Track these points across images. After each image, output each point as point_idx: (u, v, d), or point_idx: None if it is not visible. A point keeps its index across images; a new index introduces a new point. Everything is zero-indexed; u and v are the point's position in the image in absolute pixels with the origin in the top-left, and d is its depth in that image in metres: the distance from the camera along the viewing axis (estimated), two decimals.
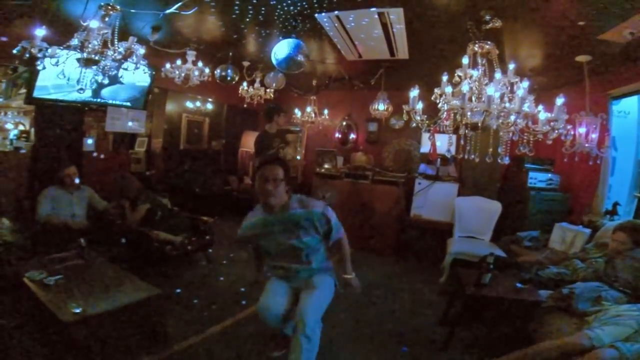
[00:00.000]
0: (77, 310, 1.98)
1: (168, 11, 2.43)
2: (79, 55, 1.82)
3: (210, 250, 3.95)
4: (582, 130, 2.78)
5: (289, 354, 1.84)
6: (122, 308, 2.14)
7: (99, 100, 3.67)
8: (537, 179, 3.97)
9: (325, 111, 5.56)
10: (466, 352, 2.46)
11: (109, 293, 2.24)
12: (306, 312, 1.84)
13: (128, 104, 3.87)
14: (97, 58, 1.90)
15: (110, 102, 3.76)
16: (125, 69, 2.08)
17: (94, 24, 1.76)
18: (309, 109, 5.40)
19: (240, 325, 2.69)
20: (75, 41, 1.76)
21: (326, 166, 5.60)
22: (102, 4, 1.95)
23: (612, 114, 3.30)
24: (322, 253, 2.11)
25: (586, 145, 2.78)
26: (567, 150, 2.87)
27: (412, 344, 2.58)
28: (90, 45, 1.76)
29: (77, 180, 3.48)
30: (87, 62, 1.86)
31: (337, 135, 6.35)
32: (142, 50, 2.07)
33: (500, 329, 2.53)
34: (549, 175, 3.96)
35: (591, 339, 1.80)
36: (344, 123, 6.33)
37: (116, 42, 1.93)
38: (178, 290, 3.11)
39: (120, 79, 2.08)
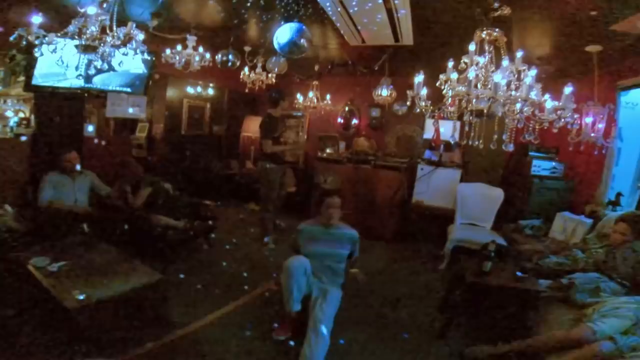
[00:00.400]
0: (81, 297, 2.00)
1: None
2: (76, 42, 1.78)
3: (212, 235, 3.99)
4: (588, 120, 2.73)
5: (303, 346, 2.14)
6: (125, 293, 2.16)
7: (98, 86, 3.63)
8: (541, 167, 3.93)
9: (328, 96, 5.50)
10: (465, 340, 2.49)
11: (113, 279, 2.26)
12: (321, 317, 2.22)
13: (128, 89, 3.83)
14: (95, 44, 1.86)
15: (110, 88, 3.71)
16: (125, 55, 2.03)
17: (91, 10, 1.71)
18: (311, 94, 5.33)
19: (243, 310, 2.73)
20: (72, 28, 1.72)
21: (328, 151, 5.58)
22: None
23: (620, 105, 3.25)
24: (342, 268, 2.60)
25: (592, 135, 2.74)
26: (573, 140, 2.83)
27: (412, 330, 2.62)
28: (88, 32, 1.72)
29: (78, 166, 3.48)
30: (86, 49, 1.82)
31: (340, 120, 6.29)
32: (141, 36, 2.02)
33: (500, 318, 2.56)
34: (553, 163, 3.93)
35: (595, 332, 1.81)
36: (347, 108, 6.25)
37: (115, 28, 1.89)
38: (182, 276, 3.15)
39: (119, 65, 2.03)
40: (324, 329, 2.17)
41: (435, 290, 3.26)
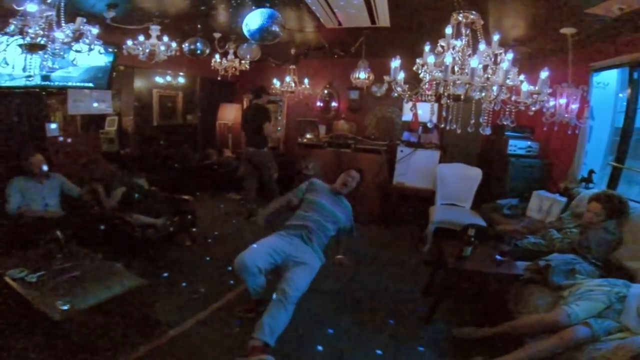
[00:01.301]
0: (65, 307, 1.94)
1: None
2: (20, 42, 1.61)
3: (194, 229, 3.91)
4: (562, 101, 2.76)
5: (263, 313, 2.09)
6: (110, 300, 2.11)
7: (57, 84, 3.39)
8: (517, 146, 3.99)
9: (306, 80, 5.36)
10: (450, 323, 2.54)
11: (95, 286, 2.20)
12: (291, 283, 2.15)
13: (90, 84, 3.59)
14: (42, 42, 1.69)
15: (70, 84, 3.48)
16: (79, 51, 1.88)
17: (31, 7, 1.54)
18: (288, 79, 5.18)
19: (232, 305, 2.70)
20: (11, 27, 1.55)
21: (308, 136, 5.49)
22: None
23: (592, 85, 3.31)
24: (327, 237, 2.62)
25: (566, 115, 2.77)
26: (547, 120, 2.86)
27: (398, 315, 2.66)
28: (31, 30, 1.56)
29: (45, 168, 3.29)
30: (31, 48, 1.66)
31: (319, 104, 6.18)
32: (95, 30, 1.86)
33: (482, 301, 2.63)
34: (529, 142, 3.99)
35: (569, 315, 1.85)
36: (326, 92, 6.15)
37: (63, 24, 1.72)
38: (165, 274, 3.08)
39: (74, 62, 1.88)
40: (290, 300, 2.09)
41: (419, 273, 3.31)
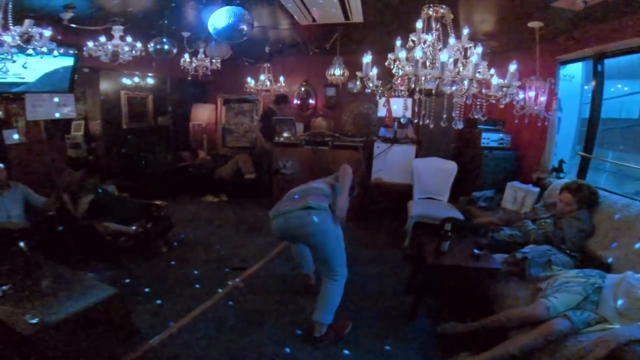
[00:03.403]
0: (34, 321, 1.86)
1: None
2: None
3: (169, 235, 3.78)
4: (531, 93, 2.81)
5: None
6: (82, 312, 2.02)
7: (11, 89, 3.18)
8: (490, 138, 4.07)
9: (281, 78, 5.28)
10: (434, 319, 2.55)
11: (65, 298, 2.11)
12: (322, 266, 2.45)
13: (49, 88, 3.39)
14: None
15: (26, 89, 3.27)
16: (30, 55, 1.75)
17: None
18: (262, 77, 5.10)
19: (213, 309, 2.65)
20: None
21: (285, 135, 5.42)
22: None
23: (558, 78, 3.39)
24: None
25: (535, 108, 2.83)
26: (518, 113, 2.92)
27: (381, 313, 2.65)
28: None
29: (4, 177, 3.11)
30: None
31: (296, 101, 6.12)
32: (47, 32, 1.74)
33: (462, 296, 2.65)
34: (500, 135, 4.08)
35: (548, 308, 1.86)
36: (302, 89, 6.09)
37: (11, 26, 1.60)
38: (141, 283, 2.96)
39: (24, 67, 1.75)
40: (332, 272, 2.31)
41: (401, 269, 3.32)
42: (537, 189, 3.29)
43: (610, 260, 2.24)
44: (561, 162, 3.43)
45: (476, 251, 2.51)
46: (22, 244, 2.76)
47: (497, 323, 2.07)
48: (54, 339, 1.89)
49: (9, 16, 1.56)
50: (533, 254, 2.30)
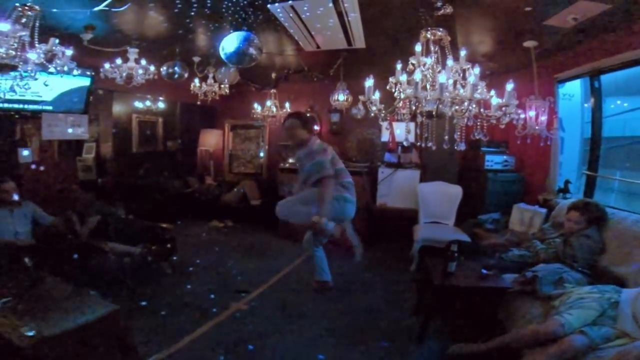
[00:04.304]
0: (31, 334, 1.83)
1: (96, 9, 2.19)
2: None
3: (174, 258, 3.78)
4: (532, 113, 2.87)
5: None
6: (81, 327, 1.99)
7: (30, 107, 3.31)
8: (494, 161, 4.09)
9: (287, 104, 5.43)
10: (444, 341, 2.47)
11: (64, 312, 2.09)
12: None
13: (65, 108, 3.53)
14: (14, 63, 1.67)
15: (44, 108, 3.41)
16: (52, 74, 1.85)
17: (3, 27, 1.53)
18: (269, 103, 5.25)
19: (212, 334, 2.59)
20: None
21: (291, 161, 5.49)
22: (18, 4, 1.72)
23: (558, 97, 3.45)
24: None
25: (536, 127, 2.87)
26: (519, 133, 2.96)
27: (390, 337, 2.58)
28: (2, 50, 1.54)
29: (16, 197, 3.18)
30: (1, 68, 1.63)
31: None
32: (69, 52, 1.85)
33: (472, 316, 2.58)
34: (504, 157, 4.10)
35: (563, 325, 1.81)
36: (307, 115, 6.23)
37: (37, 44, 1.71)
38: (143, 303, 2.95)
39: (45, 85, 1.85)
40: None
41: (409, 293, 3.26)
42: (544, 210, 3.27)
43: (624, 274, 2.19)
44: (567, 182, 3.43)
45: (484, 271, 2.47)
46: (26, 259, 2.81)
47: (510, 342, 2.00)
48: (51, 352, 1.86)
49: (36, 34, 1.68)
50: (544, 272, 2.26)
